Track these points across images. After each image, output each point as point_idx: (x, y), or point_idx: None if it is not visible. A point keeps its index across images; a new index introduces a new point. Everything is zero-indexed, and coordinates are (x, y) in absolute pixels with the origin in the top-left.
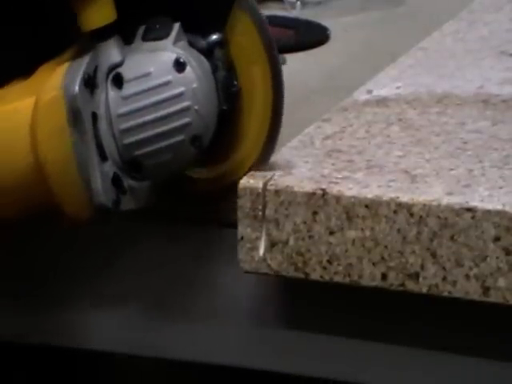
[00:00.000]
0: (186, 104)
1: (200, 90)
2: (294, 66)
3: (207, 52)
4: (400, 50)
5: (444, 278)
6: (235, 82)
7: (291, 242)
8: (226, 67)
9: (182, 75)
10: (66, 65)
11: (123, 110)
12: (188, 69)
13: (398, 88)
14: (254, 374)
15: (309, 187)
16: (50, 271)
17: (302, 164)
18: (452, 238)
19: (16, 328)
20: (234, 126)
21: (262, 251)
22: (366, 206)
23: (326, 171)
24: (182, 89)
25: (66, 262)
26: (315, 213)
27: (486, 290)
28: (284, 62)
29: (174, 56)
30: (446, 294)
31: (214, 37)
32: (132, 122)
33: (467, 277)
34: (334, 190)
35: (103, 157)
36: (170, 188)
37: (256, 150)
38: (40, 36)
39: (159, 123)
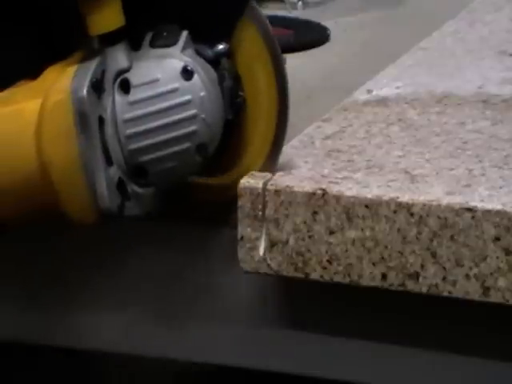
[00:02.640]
0: (192, 112)
1: (207, 98)
2: (294, 66)
3: (214, 62)
4: (400, 50)
5: (444, 278)
6: (241, 93)
7: (291, 242)
8: (232, 77)
9: (189, 83)
10: (74, 67)
11: (129, 115)
12: (195, 77)
13: (397, 88)
14: (254, 374)
15: (309, 187)
16: (53, 273)
17: (302, 164)
18: (452, 237)
19: (19, 329)
20: (239, 135)
21: (262, 251)
22: (366, 206)
23: (326, 171)
24: (189, 97)
25: (69, 265)
26: (315, 213)
27: (486, 290)
28: (284, 62)
29: (181, 64)
30: (445, 293)
31: (221, 47)
32: (138, 128)
33: (467, 277)
34: (334, 189)
35: (109, 161)
36: (176, 195)
37: (261, 158)
38: (47, 37)
39: (165, 130)
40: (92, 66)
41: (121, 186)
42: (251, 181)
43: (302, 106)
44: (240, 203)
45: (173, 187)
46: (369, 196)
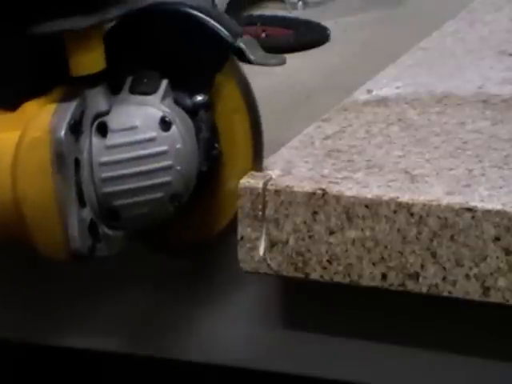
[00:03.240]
0: (168, 163)
1: (183, 150)
2: (294, 66)
3: (192, 112)
4: (400, 50)
5: (444, 278)
6: (216, 145)
7: (291, 242)
8: (209, 129)
9: (166, 134)
10: (54, 106)
11: (105, 159)
12: (173, 128)
13: (397, 88)
14: (254, 374)
15: (309, 187)
16: (52, 274)
17: (302, 164)
18: (452, 237)
19: (20, 329)
20: (213, 184)
21: (262, 251)
22: (366, 206)
23: (326, 171)
24: (165, 147)
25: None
26: (315, 213)
27: (486, 290)
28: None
29: (160, 114)
30: (445, 293)
31: (200, 98)
32: (113, 172)
33: (467, 277)
34: (334, 189)
35: (82, 203)
36: (147, 238)
37: (233, 209)
38: (29, 72)
39: (140, 178)
40: (71, 106)
41: (92, 227)
42: (251, 181)
43: (302, 106)
44: (240, 203)
45: (142, 231)
46: (369, 196)
